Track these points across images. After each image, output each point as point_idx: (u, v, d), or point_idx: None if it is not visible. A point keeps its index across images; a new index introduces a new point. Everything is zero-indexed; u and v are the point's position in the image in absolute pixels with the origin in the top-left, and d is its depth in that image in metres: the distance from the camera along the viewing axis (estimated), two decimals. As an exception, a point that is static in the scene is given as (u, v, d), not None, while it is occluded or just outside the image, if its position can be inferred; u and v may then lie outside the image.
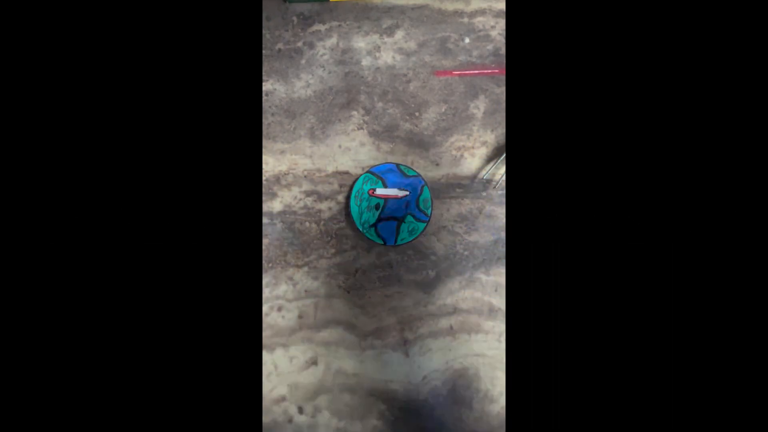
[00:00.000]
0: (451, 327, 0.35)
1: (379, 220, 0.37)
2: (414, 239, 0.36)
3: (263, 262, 0.36)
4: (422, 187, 0.37)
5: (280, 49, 0.40)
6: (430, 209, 0.37)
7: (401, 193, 0.37)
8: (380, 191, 0.37)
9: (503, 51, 0.40)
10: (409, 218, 0.37)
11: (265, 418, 0.33)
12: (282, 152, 0.38)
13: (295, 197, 0.37)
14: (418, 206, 0.37)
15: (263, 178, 0.37)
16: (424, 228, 0.37)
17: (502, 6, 0.41)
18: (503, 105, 0.38)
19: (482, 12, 0.40)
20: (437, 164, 0.38)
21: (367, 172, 0.37)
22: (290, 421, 0.34)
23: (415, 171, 0.37)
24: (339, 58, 0.40)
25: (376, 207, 0.37)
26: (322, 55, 0.40)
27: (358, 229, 0.37)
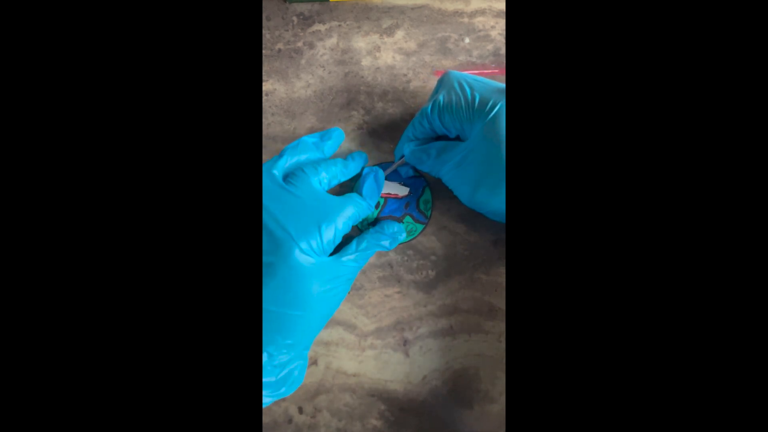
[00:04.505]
0: (451, 327, 0.35)
1: (379, 219, 0.37)
2: (413, 239, 0.36)
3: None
4: (424, 187, 0.37)
5: (280, 49, 0.40)
6: (429, 211, 0.37)
7: (402, 192, 0.37)
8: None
9: (503, 51, 0.40)
10: (408, 219, 0.37)
11: (265, 418, 0.33)
12: (282, 152, 0.38)
13: (295, 197, 0.37)
14: (418, 207, 0.37)
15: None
16: (422, 230, 0.36)
17: (502, 6, 0.41)
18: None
19: (482, 12, 0.40)
20: (437, 164, 0.38)
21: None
22: (290, 421, 0.34)
23: (416, 171, 0.37)
24: (339, 58, 0.40)
25: (377, 206, 0.37)
26: (322, 55, 0.40)
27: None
